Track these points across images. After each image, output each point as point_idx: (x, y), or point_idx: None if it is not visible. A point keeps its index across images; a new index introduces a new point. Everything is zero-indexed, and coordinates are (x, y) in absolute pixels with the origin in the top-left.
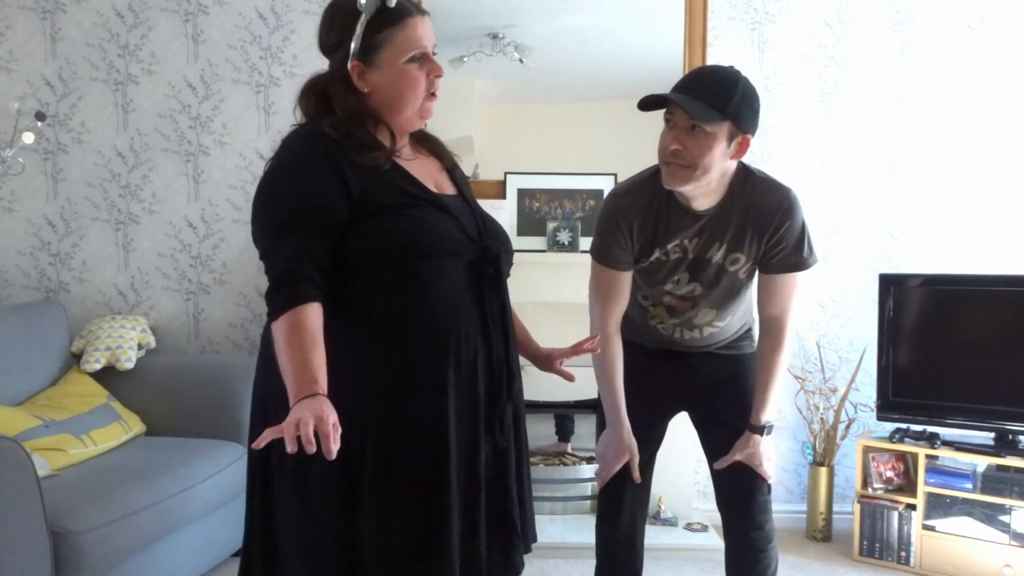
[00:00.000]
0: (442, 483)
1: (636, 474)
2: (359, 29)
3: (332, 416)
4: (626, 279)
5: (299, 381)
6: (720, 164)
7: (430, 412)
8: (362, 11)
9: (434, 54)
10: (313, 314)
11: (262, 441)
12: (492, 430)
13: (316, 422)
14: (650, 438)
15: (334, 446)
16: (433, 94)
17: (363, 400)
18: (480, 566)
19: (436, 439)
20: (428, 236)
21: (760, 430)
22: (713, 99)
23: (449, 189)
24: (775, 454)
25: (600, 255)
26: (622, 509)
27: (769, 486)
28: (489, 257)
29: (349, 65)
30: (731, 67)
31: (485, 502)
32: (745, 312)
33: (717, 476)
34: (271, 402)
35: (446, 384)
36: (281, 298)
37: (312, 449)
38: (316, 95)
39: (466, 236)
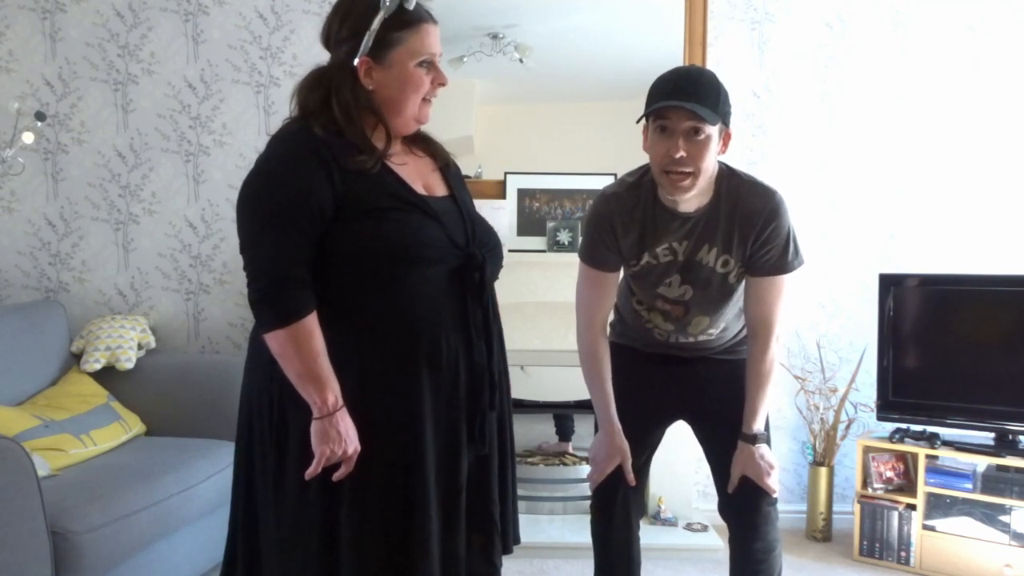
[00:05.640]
0: (419, 487)
1: (630, 476)
2: (375, 25)
3: (354, 440)
4: (612, 280)
5: (320, 392)
6: (713, 163)
7: (403, 416)
8: (381, 8)
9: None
10: (315, 323)
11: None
12: (473, 437)
13: (342, 455)
14: (645, 443)
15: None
16: (429, 100)
17: None
18: (458, 566)
19: (411, 443)
20: (411, 243)
21: (752, 439)
22: (710, 101)
23: (440, 190)
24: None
25: (587, 256)
26: (615, 513)
27: (774, 499)
28: (474, 264)
29: (358, 60)
30: (695, 65)
31: (466, 503)
32: (740, 318)
33: (721, 486)
34: (255, 400)
35: (420, 388)
36: (281, 310)
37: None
38: (324, 90)
39: (451, 242)
